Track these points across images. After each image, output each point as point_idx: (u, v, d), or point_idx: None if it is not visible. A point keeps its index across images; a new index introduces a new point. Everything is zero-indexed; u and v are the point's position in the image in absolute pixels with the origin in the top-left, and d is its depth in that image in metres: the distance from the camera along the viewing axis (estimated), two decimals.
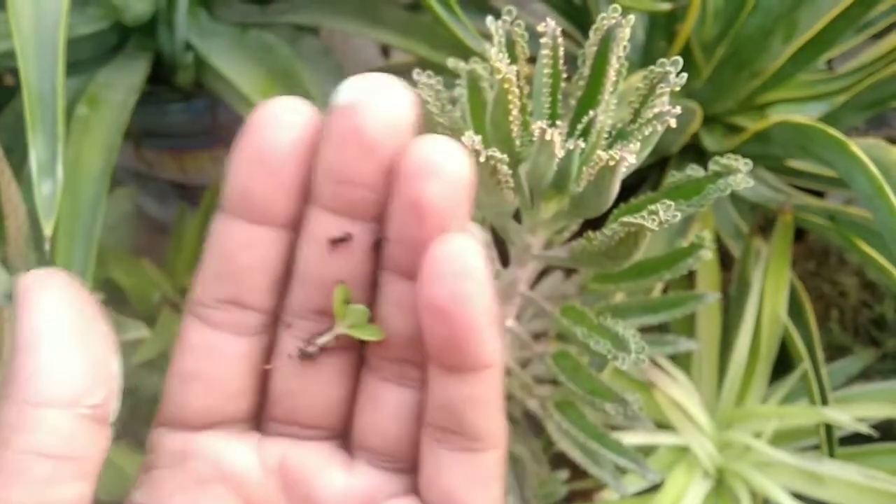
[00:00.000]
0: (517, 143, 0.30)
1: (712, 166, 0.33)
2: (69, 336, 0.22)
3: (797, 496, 0.64)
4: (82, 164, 0.56)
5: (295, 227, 0.24)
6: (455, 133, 0.29)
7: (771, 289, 0.68)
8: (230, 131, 0.77)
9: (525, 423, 0.59)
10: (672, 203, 0.27)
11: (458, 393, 0.23)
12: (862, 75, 0.67)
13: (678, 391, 0.66)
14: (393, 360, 0.25)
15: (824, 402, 0.64)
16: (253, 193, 0.23)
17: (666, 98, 0.28)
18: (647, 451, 0.67)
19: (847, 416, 0.63)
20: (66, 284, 0.22)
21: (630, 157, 0.25)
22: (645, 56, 0.71)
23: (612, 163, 0.25)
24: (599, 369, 0.56)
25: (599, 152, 0.26)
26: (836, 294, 0.90)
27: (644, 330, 0.57)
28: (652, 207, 0.27)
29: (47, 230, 0.40)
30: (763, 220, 0.78)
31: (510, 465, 0.50)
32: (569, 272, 0.56)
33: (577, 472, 0.64)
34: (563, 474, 0.59)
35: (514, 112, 0.28)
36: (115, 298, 0.61)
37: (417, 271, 0.22)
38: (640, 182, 0.74)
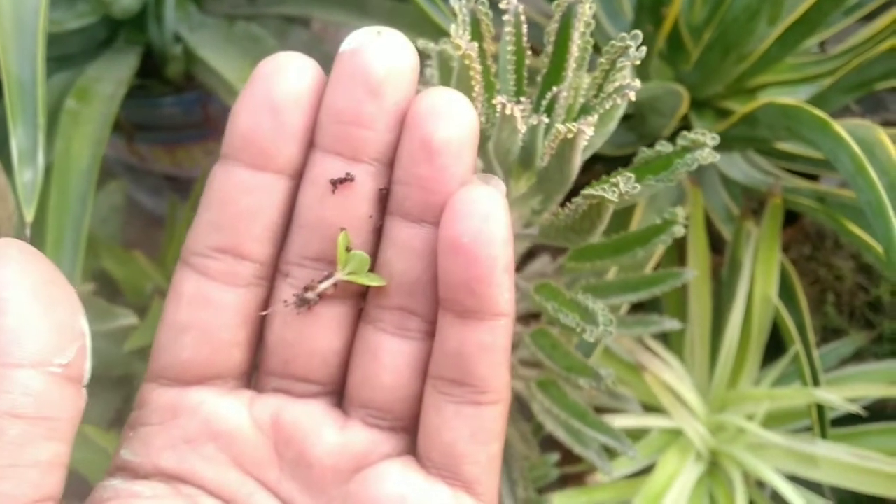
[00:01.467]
0: (483, 119, 0.30)
1: (680, 141, 0.33)
2: (32, 298, 0.22)
3: (790, 478, 0.65)
4: (72, 157, 0.57)
5: (295, 176, 0.24)
6: None
7: (761, 270, 0.68)
8: (221, 124, 0.77)
9: (515, 406, 0.59)
10: (632, 175, 0.27)
11: (471, 340, 0.23)
12: (850, 57, 0.67)
13: (669, 374, 0.66)
14: (393, 308, 0.25)
15: (816, 383, 0.64)
16: (256, 138, 0.23)
17: (627, 72, 0.28)
18: (639, 434, 0.67)
19: (838, 396, 0.63)
20: (25, 251, 0.22)
21: (588, 130, 0.25)
22: None
23: (570, 135, 0.26)
24: (587, 353, 0.57)
25: (558, 125, 0.26)
26: (831, 278, 0.90)
27: (632, 311, 0.58)
28: (613, 180, 0.27)
29: (28, 216, 0.41)
30: (756, 205, 0.78)
31: None
32: (556, 256, 0.57)
33: (569, 457, 0.64)
34: (554, 457, 0.59)
35: (477, 88, 0.28)
36: (107, 289, 0.62)
37: (424, 214, 0.23)
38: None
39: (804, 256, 0.91)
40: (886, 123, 0.69)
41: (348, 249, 0.24)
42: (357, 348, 0.25)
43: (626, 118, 0.75)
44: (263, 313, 0.25)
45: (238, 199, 0.24)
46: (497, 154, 0.30)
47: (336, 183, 0.24)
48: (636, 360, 0.66)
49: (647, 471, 0.66)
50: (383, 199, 0.24)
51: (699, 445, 0.67)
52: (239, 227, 0.24)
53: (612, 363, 0.64)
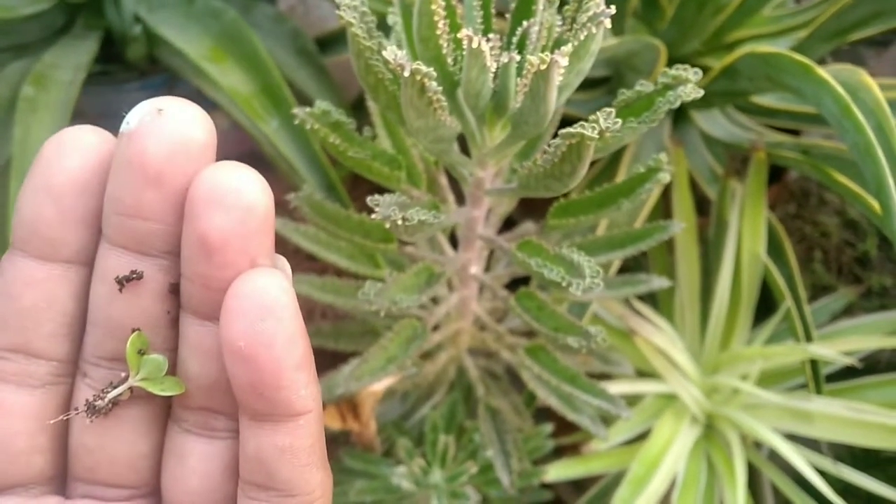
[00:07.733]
0: (449, 61, 0.28)
1: (662, 79, 0.31)
2: None
3: (787, 436, 0.64)
4: (30, 144, 0.54)
5: (89, 263, 0.22)
6: (383, 56, 0.27)
7: (748, 227, 0.67)
8: None
9: (507, 379, 0.58)
10: (612, 110, 0.26)
11: (268, 443, 0.21)
12: (827, 6, 0.65)
13: (661, 338, 0.65)
14: (196, 409, 0.23)
15: (809, 339, 0.63)
16: (40, 226, 0.21)
17: (601, 0, 0.26)
18: (633, 400, 0.66)
19: (832, 350, 0.62)
20: None
21: (562, 60, 0.24)
22: None
23: (543, 66, 0.24)
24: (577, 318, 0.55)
25: (530, 57, 0.24)
26: (817, 235, 0.89)
27: (619, 273, 0.56)
28: (592, 117, 0.26)
29: None
30: (740, 165, 0.77)
31: (489, 417, 0.49)
32: (539, 222, 0.55)
33: (563, 427, 0.63)
34: (548, 428, 0.58)
35: (441, 24, 0.26)
36: None
37: (211, 312, 0.21)
38: None
39: (789, 215, 0.90)
40: None
41: (143, 352, 0.22)
42: (166, 449, 0.23)
43: (604, 81, 0.74)
44: (51, 422, 0.22)
45: (24, 292, 0.21)
46: (468, 100, 0.28)
47: (122, 281, 0.21)
48: (626, 326, 0.65)
49: (642, 437, 0.65)
50: (178, 291, 0.22)
51: (694, 409, 0.66)
52: (28, 323, 0.22)
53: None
